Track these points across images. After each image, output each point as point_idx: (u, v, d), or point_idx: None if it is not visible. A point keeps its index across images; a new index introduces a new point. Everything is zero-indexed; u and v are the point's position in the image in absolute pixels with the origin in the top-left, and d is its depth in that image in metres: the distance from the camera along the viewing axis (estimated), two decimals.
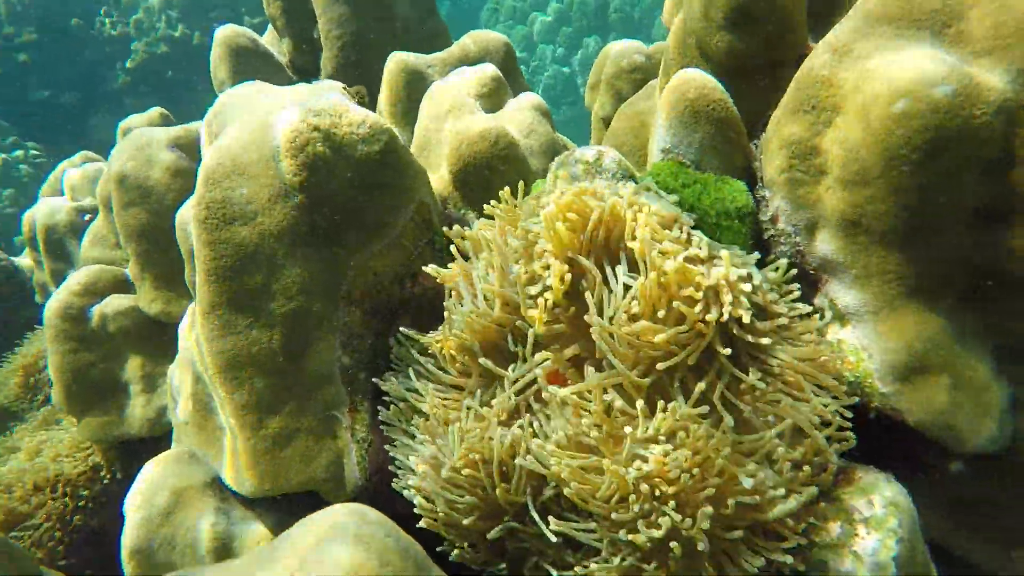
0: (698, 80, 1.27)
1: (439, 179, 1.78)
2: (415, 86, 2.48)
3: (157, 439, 2.24)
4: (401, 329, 1.44)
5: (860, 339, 1.19)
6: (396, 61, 2.47)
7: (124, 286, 2.25)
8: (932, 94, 1.00)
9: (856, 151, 1.09)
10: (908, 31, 1.11)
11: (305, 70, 2.86)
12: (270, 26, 3.21)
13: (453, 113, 1.81)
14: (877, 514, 1.04)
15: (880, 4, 1.13)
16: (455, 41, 3.09)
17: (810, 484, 1.06)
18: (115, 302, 2.14)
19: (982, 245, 1.10)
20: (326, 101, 1.38)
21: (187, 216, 1.62)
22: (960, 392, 1.12)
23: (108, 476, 2.34)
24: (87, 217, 3.61)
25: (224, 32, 2.69)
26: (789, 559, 1.00)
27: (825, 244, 1.21)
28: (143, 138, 1.99)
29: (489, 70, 1.91)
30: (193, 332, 1.52)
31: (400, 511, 1.30)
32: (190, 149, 2.01)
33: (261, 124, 1.35)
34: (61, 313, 2.09)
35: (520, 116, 1.78)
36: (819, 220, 1.21)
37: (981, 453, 1.14)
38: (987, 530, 1.29)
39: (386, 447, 1.42)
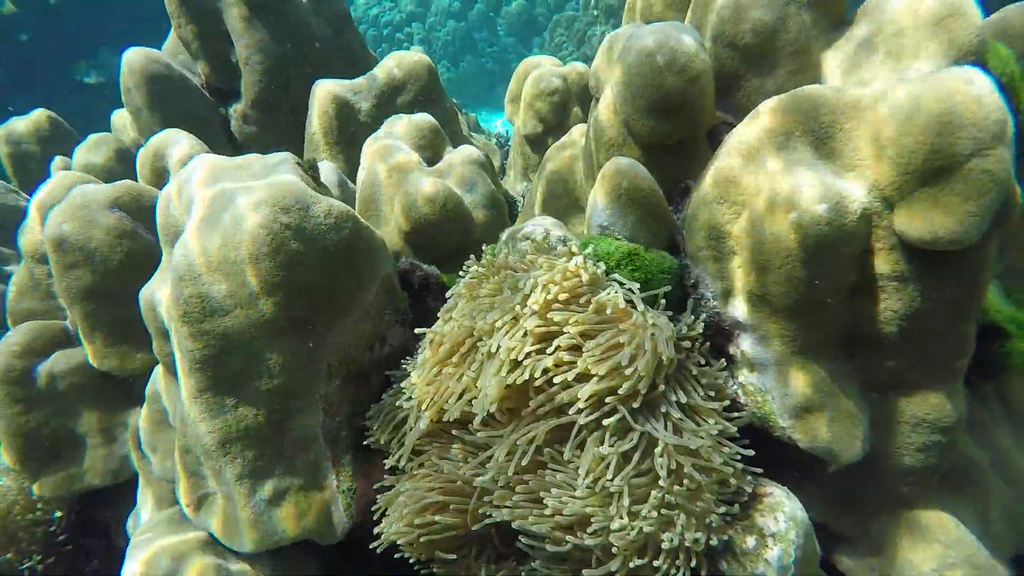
0: (630, 171, 1.48)
1: (390, 234, 1.91)
2: (344, 113, 2.55)
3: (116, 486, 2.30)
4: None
5: (764, 383, 1.49)
6: (324, 92, 2.51)
7: (65, 339, 2.24)
8: (815, 209, 1.26)
9: (760, 245, 1.35)
10: (797, 139, 1.36)
11: (222, 92, 2.82)
12: (172, 32, 3.09)
13: (397, 170, 1.93)
14: (781, 529, 1.36)
15: (775, 120, 1.37)
16: (368, 50, 3.12)
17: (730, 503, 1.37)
18: (63, 360, 2.13)
19: (854, 312, 1.41)
20: (289, 192, 1.47)
21: (152, 297, 1.67)
22: (837, 424, 1.44)
23: (62, 523, 2.37)
24: None
25: (135, 58, 2.59)
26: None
27: (736, 309, 1.48)
28: (80, 198, 1.96)
29: (425, 121, 2.03)
30: (177, 410, 1.61)
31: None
32: (131, 207, 2.01)
33: (232, 222, 1.44)
34: (3, 377, 2.06)
35: (462, 170, 1.93)
36: (732, 289, 1.48)
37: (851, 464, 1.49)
38: (852, 510, 1.66)
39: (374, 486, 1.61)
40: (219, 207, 1.47)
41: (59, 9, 8.81)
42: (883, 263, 1.35)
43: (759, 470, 1.46)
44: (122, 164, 3.33)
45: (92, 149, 3.28)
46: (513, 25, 13.09)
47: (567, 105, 2.70)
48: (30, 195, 3.69)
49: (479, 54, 12.84)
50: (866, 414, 1.50)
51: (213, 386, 1.51)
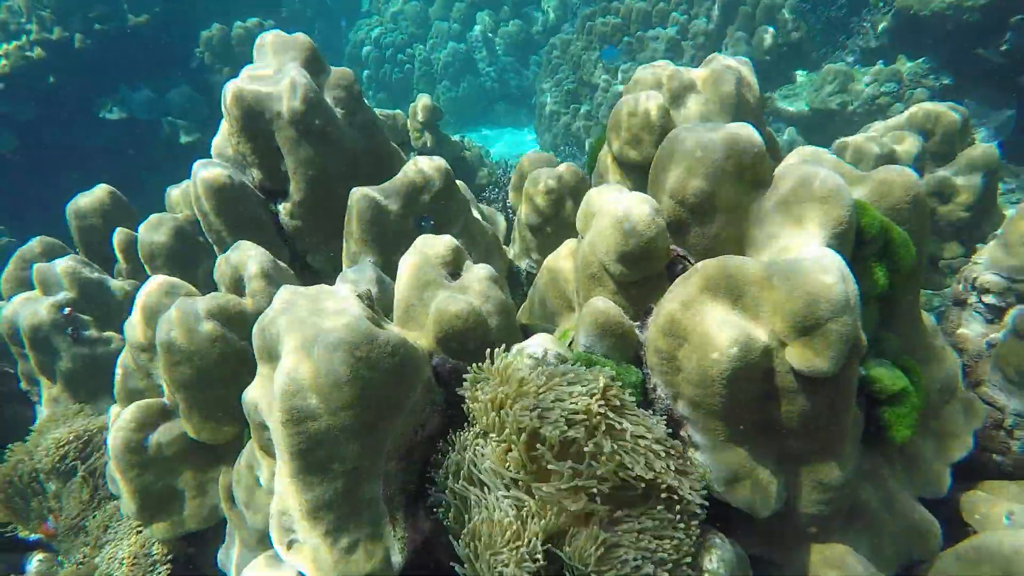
0: (605, 312, 2.05)
1: (424, 337, 2.48)
2: (377, 216, 3.11)
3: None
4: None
5: (705, 460, 2.06)
6: (360, 197, 3.08)
7: (165, 413, 2.82)
8: (730, 351, 1.84)
9: (695, 370, 1.93)
10: (720, 296, 1.93)
11: (273, 192, 3.38)
12: (223, 124, 3.64)
13: (430, 287, 2.50)
14: (715, 567, 1.93)
15: (704, 280, 1.94)
16: (393, 145, 3.68)
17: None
18: (167, 431, 2.72)
19: (765, 411, 1.98)
20: (359, 331, 2.04)
21: (253, 399, 2.24)
22: (756, 490, 2.02)
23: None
24: (67, 311, 3.99)
25: (205, 175, 3.16)
26: None
27: (682, 408, 2.05)
28: (182, 311, 2.53)
29: (449, 242, 2.59)
30: (275, 482, 2.18)
31: None
32: (220, 316, 2.58)
33: (320, 357, 2.00)
34: (125, 447, 2.65)
35: (479, 287, 2.49)
36: (679, 394, 2.06)
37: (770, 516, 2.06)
38: (777, 544, 2.24)
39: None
40: (308, 345, 2.04)
41: (82, 53, 9.34)
42: (781, 381, 1.92)
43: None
44: (180, 241, 3.90)
45: (154, 229, 3.86)
46: (511, 45, 13.62)
47: (561, 201, 3.26)
48: (96, 262, 4.24)
49: (479, 74, 13.38)
50: (780, 479, 2.07)
51: (304, 469, 2.09)
